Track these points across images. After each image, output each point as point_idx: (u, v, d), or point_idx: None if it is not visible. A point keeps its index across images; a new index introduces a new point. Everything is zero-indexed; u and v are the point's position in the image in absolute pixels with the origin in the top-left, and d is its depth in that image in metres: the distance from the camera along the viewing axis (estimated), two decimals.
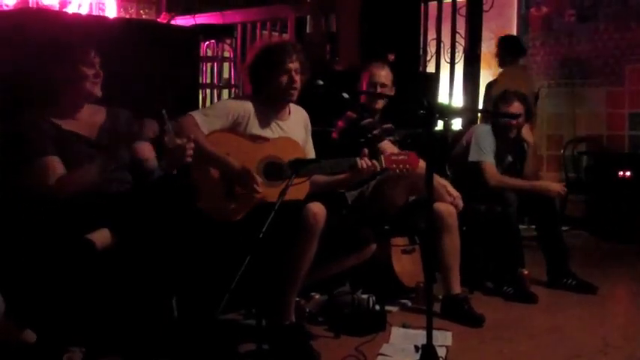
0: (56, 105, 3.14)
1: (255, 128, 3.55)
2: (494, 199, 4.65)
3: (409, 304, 4.34)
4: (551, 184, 4.96)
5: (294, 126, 3.72)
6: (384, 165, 3.59)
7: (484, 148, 4.84)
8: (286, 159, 3.50)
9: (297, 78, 3.59)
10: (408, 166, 3.62)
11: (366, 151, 3.58)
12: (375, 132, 4.28)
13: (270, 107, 3.63)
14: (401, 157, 3.63)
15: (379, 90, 4.42)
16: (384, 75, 4.45)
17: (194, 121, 3.42)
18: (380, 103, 4.47)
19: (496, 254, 4.66)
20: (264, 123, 3.59)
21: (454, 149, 5.18)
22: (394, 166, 3.61)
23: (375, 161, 3.55)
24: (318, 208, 3.28)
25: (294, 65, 3.58)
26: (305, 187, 3.54)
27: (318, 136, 4.00)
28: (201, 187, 3.35)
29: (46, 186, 2.93)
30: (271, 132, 3.59)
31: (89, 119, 3.20)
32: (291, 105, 3.76)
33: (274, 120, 3.63)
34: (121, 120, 3.29)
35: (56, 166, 2.99)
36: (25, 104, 3.35)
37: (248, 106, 3.58)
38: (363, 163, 3.52)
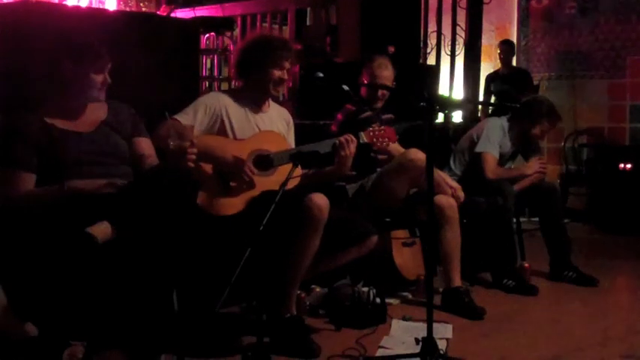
0: (57, 102, 3.12)
1: (235, 121, 3.56)
2: (494, 191, 4.65)
3: (410, 296, 4.34)
4: (531, 164, 4.96)
5: (274, 119, 3.74)
6: (364, 139, 3.63)
7: (492, 141, 4.84)
8: (272, 150, 3.53)
9: (286, 78, 3.65)
10: (387, 139, 3.68)
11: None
12: (373, 125, 4.27)
13: (249, 99, 3.66)
14: (379, 132, 3.69)
15: (380, 93, 4.41)
16: (386, 77, 4.41)
17: (179, 123, 3.41)
18: (380, 103, 4.45)
19: (496, 247, 4.65)
20: (242, 115, 3.61)
21: (460, 142, 5.17)
22: (375, 140, 3.67)
23: (352, 136, 3.58)
24: (321, 200, 3.28)
25: (288, 64, 3.62)
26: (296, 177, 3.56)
27: (318, 130, 3.99)
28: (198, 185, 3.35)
29: (6, 199, 2.94)
30: (250, 124, 3.61)
31: (90, 115, 3.18)
32: (271, 101, 3.78)
33: (252, 112, 3.65)
34: (122, 114, 3.28)
35: (25, 183, 2.97)
36: (21, 100, 3.34)
37: (223, 99, 3.61)
38: (342, 138, 3.55)
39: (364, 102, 4.41)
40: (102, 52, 3.12)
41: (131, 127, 3.27)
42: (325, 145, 3.56)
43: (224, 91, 3.75)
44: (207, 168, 3.44)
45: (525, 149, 5.08)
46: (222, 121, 3.55)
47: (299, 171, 3.56)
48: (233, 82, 7.29)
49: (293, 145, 3.79)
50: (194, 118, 3.49)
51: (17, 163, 2.97)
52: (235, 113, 3.58)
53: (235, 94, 3.67)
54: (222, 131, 3.55)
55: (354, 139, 3.57)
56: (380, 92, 4.42)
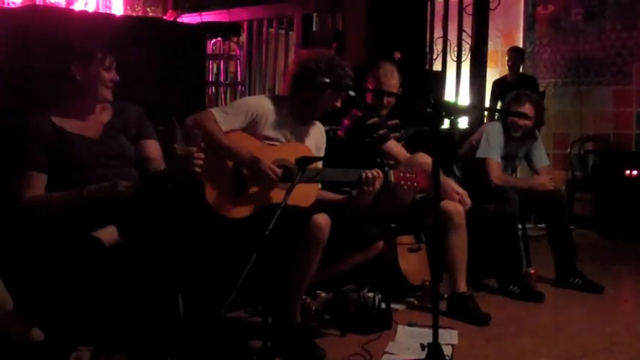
0: (65, 105, 3.13)
1: (270, 128, 3.51)
2: (498, 198, 4.65)
3: (415, 302, 4.33)
4: (542, 180, 4.95)
5: (311, 136, 3.68)
6: (392, 179, 3.52)
7: (493, 146, 4.84)
8: None
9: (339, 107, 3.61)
10: (415, 184, 3.55)
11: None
12: (380, 132, 4.26)
13: (293, 111, 3.59)
14: (409, 176, 3.55)
15: (385, 101, 4.39)
16: (392, 85, 4.37)
17: (213, 117, 3.40)
18: (385, 110, 4.44)
19: (501, 253, 4.64)
20: (281, 125, 3.54)
21: (462, 148, 5.17)
22: (402, 182, 3.54)
23: (380, 171, 3.48)
24: (322, 220, 3.25)
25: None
26: (312, 193, 3.51)
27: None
28: (211, 181, 3.33)
29: (19, 200, 2.94)
30: (284, 135, 3.55)
31: (96, 118, 3.18)
32: None
33: (291, 125, 3.58)
34: (129, 115, 3.27)
35: (37, 183, 2.97)
36: (30, 102, 3.36)
37: (268, 105, 3.54)
38: (369, 173, 3.45)
39: (370, 108, 4.40)
40: (106, 49, 3.13)
41: (137, 128, 3.27)
42: (351, 173, 3.48)
43: (270, 97, 3.66)
44: (227, 166, 3.40)
45: (527, 146, 5.08)
46: (258, 126, 3.49)
47: (315, 188, 3.55)
48: (239, 88, 7.35)
49: (320, 164, 3.69)
50: (233, 119, 3.45)
51: (28, 164, 2.98)
52: (274, 122, 3.52)
53: (281, 102, 3.59)
54: (254, 134, 3.50)
55: (380, 175, 3.47)
56: (385, 100, 4.40)
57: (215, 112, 3.45)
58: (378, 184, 3.47)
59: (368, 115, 4.32)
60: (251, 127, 3.49)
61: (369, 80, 4.43)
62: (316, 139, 3.74)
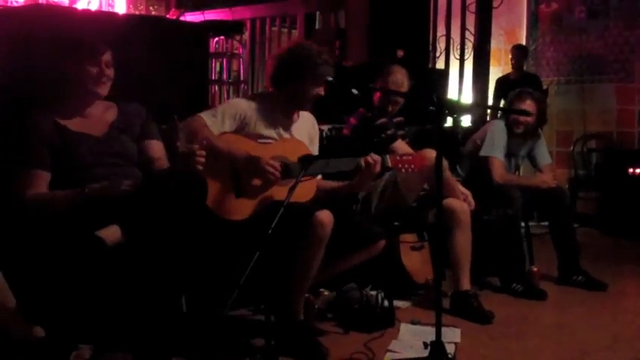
0: (64, 103, 3.13)
1: (261, 127, 3.51)
2: (500, 196, 4.64)
3: (418, 300, 4.33)
4: (544, 177, 4.95)
5: (300, 130, 3.68)
6: (389, 164, 3.55)
7: (496, 145, 4.83)
8: (293, 159, 3.47)
9: (323, 95, 3.58)
10: (413, 166, 3.58)
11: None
12: (388, 132, 4.26)
13: (279, 108, 3.59)
14: (406, 158, 3.59)
15: (390, 109, 4.38)
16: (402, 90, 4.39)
17: (203, 122, 3.40)
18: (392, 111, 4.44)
19: (504, 251, 4.64)
20: (271, 123, 3.55)
21: (466, 146, 5.16)
22: (400, 166, 3.58)
23: (378, 156, 3.50)
24: (325, 217, 3.25)
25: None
26: (312, 188, 3.52)
27: (327, 135, 3.99)
28: (209, 183, 3.33)
29: (21, 198, 2.94)
30: (276, 133, 3.56)
31: (100, 117, 3.19)
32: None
33: (281, 121, 3.59)
34: (132, 115, 3.27)
35: (40, 181, 2.97)
36: (33, 101, 3.36)
37: (255, 105, 3.54)
38: (368, 158, 3.47)
39: (375, 108, 4.39)
40: (95, 44, 3.13)
41: (140, 128, 3.27)
42: (349, 162, 3.49)
43: (255, 97, 3.69)
44: (224, 168, 3.40)
45: (529, 144, 5.08)
46: (249, 127, 3.49)
47: (314, 182, 3.54)
48: (242, 86, 7.35)
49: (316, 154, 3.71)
50: (222, 122, 3.44)
51: (32, 162, 2.98)
52: (264, 120, 3.52)
53: (266, 101, 3.59)
54: (247, 135, 3.49)
55: (379, 159, 3.49)
56: (390, 108, 4.39)
57: (204, 116, 3.44)
58: (377, 169, 3.50)
59: (376, 115, 4.31)
60: (242, 129, 3.49)
61: (377, 83, 4.42)
62: (307, 129, 3.74)
